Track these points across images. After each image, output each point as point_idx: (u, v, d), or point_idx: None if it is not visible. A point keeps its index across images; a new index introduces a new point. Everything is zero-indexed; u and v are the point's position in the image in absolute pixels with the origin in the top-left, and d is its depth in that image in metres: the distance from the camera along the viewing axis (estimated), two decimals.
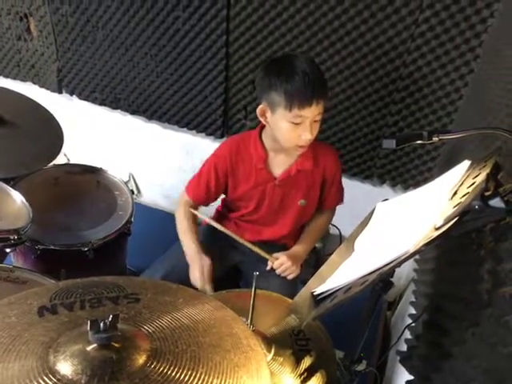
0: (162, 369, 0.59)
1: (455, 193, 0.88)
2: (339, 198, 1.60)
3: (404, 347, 1.26)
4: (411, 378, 1.08)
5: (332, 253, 2.33)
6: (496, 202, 0.70)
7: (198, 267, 1.40)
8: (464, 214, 0.72)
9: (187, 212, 1.53)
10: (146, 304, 0.72)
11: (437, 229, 0.76)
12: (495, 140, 0.97)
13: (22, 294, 0.73)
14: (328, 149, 1.53)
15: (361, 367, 1.39)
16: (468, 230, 0.75)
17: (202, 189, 1.53)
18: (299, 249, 1.53)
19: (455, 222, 0.72)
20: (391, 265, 0.76)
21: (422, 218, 0.89)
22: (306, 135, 1.29)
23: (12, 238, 1.18)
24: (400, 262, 0.74)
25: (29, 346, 0.61)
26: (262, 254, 1.45)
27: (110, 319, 0.60)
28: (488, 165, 0.87)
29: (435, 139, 0.89)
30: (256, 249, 1.46)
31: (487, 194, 0.75)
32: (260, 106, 1.34)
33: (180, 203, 1.57)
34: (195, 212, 1.52)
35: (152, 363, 0.60)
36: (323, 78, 1.31)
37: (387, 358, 1.80)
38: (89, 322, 0.59)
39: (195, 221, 1.54)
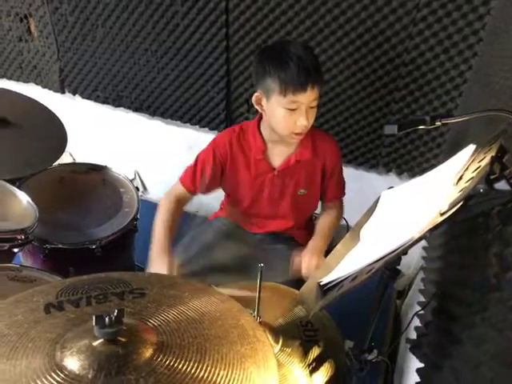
0: (168, 362, 0.59)
1: (460, 178, 0.87)
2: (341, 190, 1.58)
3: (414, 335, 1.25)
4: (421, 365, 1.08)
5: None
6: (502, 185, 0.69)
7: (167, 265, 1.29)
8: (469, 199, 0.71)
9: (173, 207, 1.47)
10: (151, 298, 0.73)
11: (442, 214, 0.75)
12: (500, 123, 0.96)
13: (29, 292, 0.74)
14: (328, 137, 1.52)
15: (372, 356, 1.39)
16: (474, 214, 0.74)
17: (197, 176, 1.48)
18: (315, 241, 1.46)
19: (460, 206, 0.71)
20: (397, 251, 0.75)
21: (428, 204, 0.88)
22: (302, 121, 1.28)
23: (19, 237, 1.19)
24: (405, 249, 0.73)
25: (36, 343, 0.61)
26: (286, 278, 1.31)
27: (115, 314, 0.60)
28: (493, 148, 0.86)
29: (438, 124, 0.88)
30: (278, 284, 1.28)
31: (493, 177, 0.74)
32: (255, 94, 1.33)
33: (169, 193, 1.52)
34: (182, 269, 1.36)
35: (158, 356, 0.60)
36: (317, 62, 1.29)
37: (398, 347, 1.79)
38: (94, 317, 0.59)
39: (177, 218, 1.46)
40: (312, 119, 1.32)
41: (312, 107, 1.29)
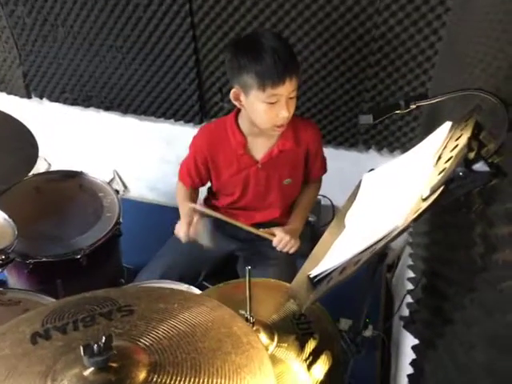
0: (163, 382, 0.58)
1: (439, 157, 0.87)
2: (323, 168, 1.60)
3: (406, 312, 1.27)
4: (416, 342, 1.09)
5: (326, 224, 2.34)
6: (480, 166, 0.69)
7: (187, 221, 1.42)
8: (449, 182, 0.71)
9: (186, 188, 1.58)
10: (140, 315, 0.71)
11: (424, 199, 0.74)
12: (474, 97, 0.95)
13: (13, 322, 0.72)
14: (308, 123, 1.51)
15: (368, 333, 1.41)
16: (456, 196, 0.74)
17: (188, 176, 1.55)
18: (293, 222, 1.53)
19: (441, 191, 0.71)
20: (383, 242, 0.75)
21: (409, 187, 0.87)
22: (283, 113, 1.26)
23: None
24: (391, 239, 0.73)
25: (25, 378, 0.59)
26: (259, 233, 1.44)
27: (103, 341, 0.59)
28: (469, 125, 0.86)
29: (413, 107, 0.87)
30: (252, 229, 1.45)
31: (471, 156, 0.74)
32: (233, 90, 1.31)
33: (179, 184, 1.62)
34: (192, 205, 1.49)
35: (153, 378, 0.59)
36: (293, 53, 1.27)
37: (392, 322, 1.83)
38: (81, 347, 0.58)
39: (194, 193, 1.59)
40: (292, 109, 1.30)
41: (291, 98, 1.27)
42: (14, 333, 0.69)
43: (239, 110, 1.39)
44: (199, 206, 1.51)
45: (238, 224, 1.45)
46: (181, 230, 1.43)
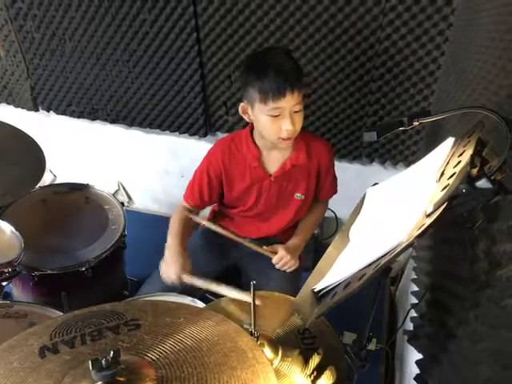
0: None
1: (442, 173, 0.88)
2: (334, 189, 1.61)
3: (410, 326, 1.27)
4: (420, 356, 1.09)
5: (330, 236, 2.34)
6: (483, 183, 0.70)
7: (177, 267, 1.36)
8: (453, 199, 0.71)
9: (181, 217, 1.51)
10: (147, 329, 0.72)
11: (428, 215, 0.75)
12: (476, 114, 0.97)
13: (22, 336, 0.72)
14: (320, 140, 1.54)
15: (371, 346, 1.40)
16: (459, 212, 0.75)
17: (196, 193, 1.52)
18: (296, 241, 1.54)
19: (445, 207, 0.71)
20: (387, 258, 0.76)
21: (413, 202, 0.88)
22: (287, 126, 1.28)
23: (6, 271, 1.17)
24: (396, 255, 0.74)
25: None
26: (261, 250, 1.46)
27: (111, 355, 0.59)
28: (472, 141, 0.87)
29: (416, 124, 0.89)
30: (254, 247, 1.46)
31: (474, 173, 0.74)
32: (241, 104, 1.35)
33: (178, 208, 1.57)
34: (193, 216, 1.51)
35: None
36: (297, 67, 1.30)
37: (396, 335, 1.82)
38: (90, 361, 0.58)
39: (187, 227, 1.52)
40: (299, 123, 1.32)
41: (296, 111, 1.29)
42: (23, 346, 0.70)
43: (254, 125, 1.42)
44: (207, 222, 1.52)
45: (241, 241, 1.47)
46: (172, 273, 1.36)
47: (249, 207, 1.54)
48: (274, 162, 1.46)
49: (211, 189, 1.51)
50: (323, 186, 1.56)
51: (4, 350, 0.69)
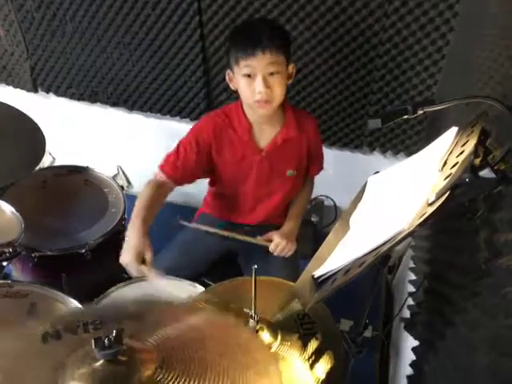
0: (171, 378, 0.60)
1: (445, 163, 0.88)
2: (321, 164, 1.62)
3: (407, 313, 1.28)
4: (416, 343, 1.11)
5: (329, 224, 2.34)
6: (486, 173, 0.70)
7: (135, 251, 1.17)
8: (455, 188, 0.72)
9: (152, 193, 1.35)
10: (149, 320, 0.72)
11: (430, 204, 0.75)
12: (480, 103, 0.96)
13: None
14: (308, 115, 1.56)
15: (367, 333, 1.42)
16: (461, 202, 0.75)
17: (180, 163, 1.40)
18: (290, 225, 1.54)
19: (447, 196, 0.72)
20: (388, 245, 0.76)
21: (414, 191, 0.88)
22: (258, 87, 1.27)
23: (7, 251, 1.17)
24: (396, 243, 0.74)
25: (37, 373, 0.61)
26: (256, 241, 1.48)
27: (114, 334, 0.60)
28: (475, 131, 0.87)
29: (420, 112, 0.88)
30: (249, 239, 1.49)
31: (477, 162, 0.75)
32: (227, 71, 1.36)
33: (149, 181, 1.41)
34: (181, 221, 1.52)
35: (160, 373, 0.60)
36: (278, 32, 1.30)
37: (392, 323, 1.84)
38: (92, 340, 0.59)
39: (156, 204, 1.34)
40: (277, 87, 1.29)
41: (272, 73, 1.27)
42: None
43: None
44: (197, 225, 1.53)
45: (234, 236, 1.49)
46: (129, 260, 1.16)
47: (237, 187, 1.52)
48: (265, 136, 1.45)
49: (198, 159, 1.41)
50: (314, 162, 1.57)
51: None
